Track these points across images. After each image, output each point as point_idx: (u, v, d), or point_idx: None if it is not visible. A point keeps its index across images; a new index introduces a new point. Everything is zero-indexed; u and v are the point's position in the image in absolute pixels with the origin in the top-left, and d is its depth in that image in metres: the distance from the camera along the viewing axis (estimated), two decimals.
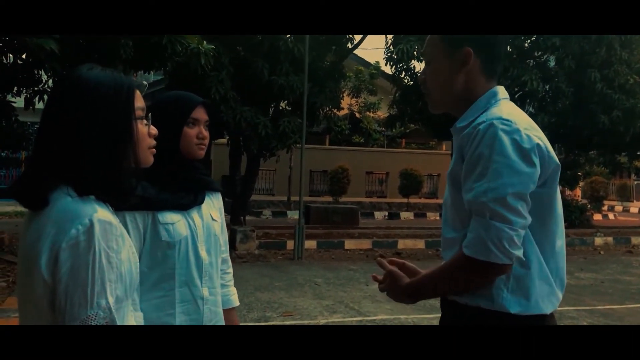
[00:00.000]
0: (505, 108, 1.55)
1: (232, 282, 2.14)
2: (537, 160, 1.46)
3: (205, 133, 1.92)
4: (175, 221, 1.82)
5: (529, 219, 1.46)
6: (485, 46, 1.61)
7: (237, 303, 2.14)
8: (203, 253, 1.88)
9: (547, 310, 1.54)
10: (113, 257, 1.14)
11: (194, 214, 1.88)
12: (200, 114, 1.92)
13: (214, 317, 1.93)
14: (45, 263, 1.11)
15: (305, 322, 5.82)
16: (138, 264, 1.28)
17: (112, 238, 1.14)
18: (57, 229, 1.12)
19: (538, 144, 1.47)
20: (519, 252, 1.45)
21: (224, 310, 2.04)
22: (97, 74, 1.24)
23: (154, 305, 1.76)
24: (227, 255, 2.11)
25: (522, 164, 1.43)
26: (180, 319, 1.83)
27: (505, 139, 1.44)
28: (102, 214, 1.15)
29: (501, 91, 1.63)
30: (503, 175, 1.42)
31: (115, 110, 1.22)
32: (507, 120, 1.47)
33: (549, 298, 1.55)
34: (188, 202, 1.87)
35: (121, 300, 1.20)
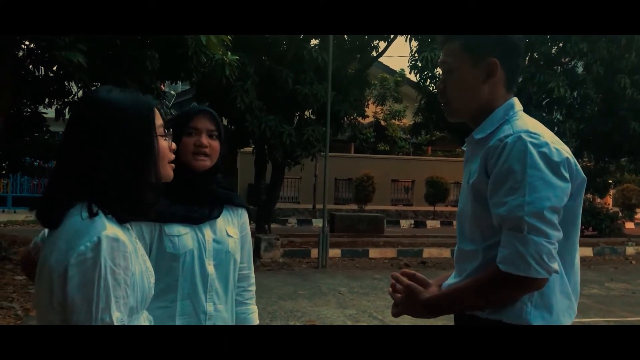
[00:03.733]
0: (528, 121, 1.54)
1: (252, 301, 2.08)
2: (567, 174, 1.45)
3: (206, 142, 1.85)
4: (181, 233, 1.81)
5: (562, 232, 1.44)
6: (509, 57, 1.59)
7: (255, 322, 2.08)
8: (210, 268, 1.85)
9: (567, 323, 1.54)
10: (120, 273, 1.17)
11: (206, 228, 1.86)
12: (201, 123, 1.86)
13: None
14: (56, 278, 1.15)
15: None
16: (153, 278, 1.30)
17: (120, 255, 1.17)
18: (67, 245, 1.16)
19: (567, 158, 1.47)
20: (556, 266, 1.44)
21: None
22: (117, 95, 1.27)
23: (155, 316, 1.73)
24: (248, 272, 2.05)
25: (555, 178, 1.43)
26: None
27: (535, 153, 1.43)
28: (110, 231, 1.17)
29: (517, 103, 1.62)
30: (539, 189, 1.41)
31: (135, 129, 1.25)
32: (535, 133, 1.46)
33: (568, 312, 1.54)
34: (200, 215, 1.85)
35: (132, 313, 1.23)
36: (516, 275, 1.41)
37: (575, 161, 1.50)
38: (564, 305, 1.52)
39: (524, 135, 1.44)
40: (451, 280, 1.69)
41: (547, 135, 1.48)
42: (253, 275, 2.09)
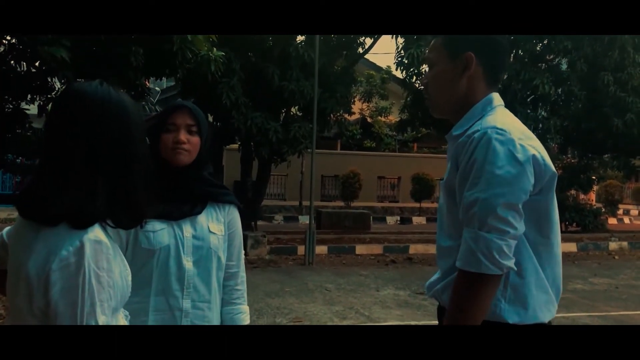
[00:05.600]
0: (500, 117, 1.54)
1: (241, 301, 2.01)
2: (530, 170, 1.45)
3: (184, 137, 1.82)
4: (157, 229, 1.79)
5: (521, 229, 1.44)
6: (488, 53, 1.60)
7: (243, 322, 2.00)
8: (188, 264, 1.82)
9: (545, 319, 1.53)
10: (104, 276, 1.14)
11: (186, 224, 1.84)
12: (179, 118, 1.84)
13: None
14: (36, 284, 1.12)
15: None
16: (130, 276, 1.28)
17: (103, 257, 1.14)
18: (48, 249, 1.12)
19: (533, 155, 1.47)
20: (510, 263, 1.43)
21: None
22: (102, 89, 1.21)
23: (130, 310, 1.66)
24: (237, 271, 1.99)
25: (514, 174, 1.42)
26: None
27: (499, 149, 1.43)
28: (92, 234, 1.14)
29: (496, 98, 1.62)
30: (494, 186, 1.42)
31: (119, 131, 1.20)
32: (502, 129, 1.46)
33: (546, 306, 1.54)
34: (179, 212, 1.82)
35: (114, 311, 1.21)
36: (470, 272, 1.41)
37: (545, 156, 1.50)
38: (541, 300, 1.52)
39: (490, 132, 1.46)
40: (434, 277, 1.70)
41: (516, 132, 1.48)
42: (243, 274, 2.03)
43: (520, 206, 1.43)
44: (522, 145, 1.45)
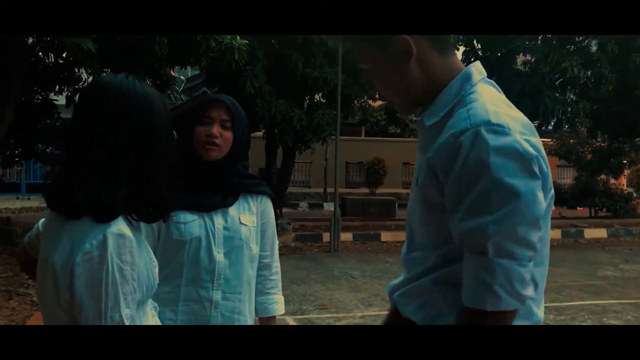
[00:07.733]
0: (488, 101, 1.21)
1: (275, 291, 2.04)
2: (539, 172, 1.17)
3: (217, 132, 1.82)
4: (188, 221, 1.80)
5: (538, 247, 1.17)
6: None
7: (277, 312, 2.02)
8: (219, 255, 1.83)
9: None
10: (127, 270, 1.14)
11: (217, 216, 1.85)
12: (215, 112, 1.85)
13: (229, 323, 1.86)
14: (62, 278, 1.13)
15: (341, 315, 5.83)
16: (156, 268, 1.28)
17: (126, 251, 1.14)
18: (72, 243, 1.13)
19: (538, 150, 1.19)
20: (531, 291, 1.16)
21: (260, 318, 2.00)
22: (128, 82, 1.22)
23: (161, 300, 1.65)
24: (270, 261, 2.02)
25: (527, 182, 1.14)
26: (183, 318, 1.80)
27: (498, 154, 1.13)
28: (115, 227, 1.14)
29: (475, 72, 1.30)
30: (506, 202, 1.12)
31: (142, 124, 1.20)
32: (497, 124, 1.15)
33: (519, 318, 1.28)
34: (210, 203, 1.83)
35: (141, 304, 1.22)
36: (485, 311, 1.14)
37: (542, 152, 1.21)
38: (518, 311, 1.28)
39: (483, 131, 1.14)
40: (398, 280, 1.48)
41: (514, 124, 1.17)
42: (277, 264, 2.06)
43: (540, 220, 1.16)
44: (527, 140, 1.16)
